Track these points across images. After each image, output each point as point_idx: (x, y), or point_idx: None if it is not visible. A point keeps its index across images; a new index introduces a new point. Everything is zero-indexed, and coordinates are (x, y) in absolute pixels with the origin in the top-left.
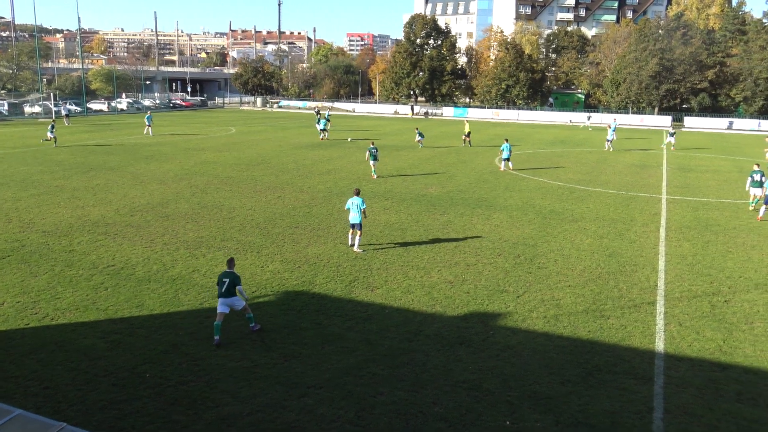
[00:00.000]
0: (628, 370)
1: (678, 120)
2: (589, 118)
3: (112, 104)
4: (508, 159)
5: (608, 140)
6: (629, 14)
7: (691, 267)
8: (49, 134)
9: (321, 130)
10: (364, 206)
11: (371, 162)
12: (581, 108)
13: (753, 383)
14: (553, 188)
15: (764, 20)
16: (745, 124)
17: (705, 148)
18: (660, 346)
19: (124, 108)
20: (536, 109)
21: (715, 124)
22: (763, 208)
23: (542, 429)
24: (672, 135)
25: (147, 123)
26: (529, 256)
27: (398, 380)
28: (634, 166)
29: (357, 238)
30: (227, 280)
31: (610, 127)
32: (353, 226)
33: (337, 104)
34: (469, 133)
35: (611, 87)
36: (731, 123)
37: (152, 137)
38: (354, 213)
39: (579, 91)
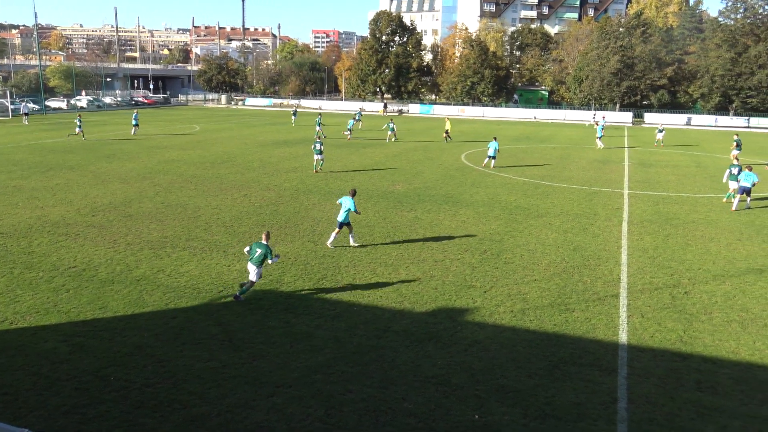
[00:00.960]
0: (592, 361)
1: (639, 116)
2: (594, 116)
3: (72, 102)
4: (493, 157)
5: (598, 137)
6: (591, 12)
7: (652, 260)
8: (77, 129)
9: (349, 129)
10: (354, 209)
11: (316, 156)
12: (545, 104)
13: (712, 372)
14: (518, 184)
15: (720, 19)
16: (702, 120)
17: (665, 144)
18: (623, 337)
19: (84, 106)
20: (501, 106)
21: (674, 119)
22: (737, 199)
23: (510, 422)
24: (661, 132)
25: (134, 123)
26: (495, 252)
27: (367, 377)
28: (597, 161)
29: (350, 236)
30: (260, 250)
31: (597, 125)
32: (339, 225)
33: (303, 101)
34: (447, 130)
35: (574, 84)
36: (690, 119)
37: (134, 136)
38: (342, 211)
39: (543, 87)
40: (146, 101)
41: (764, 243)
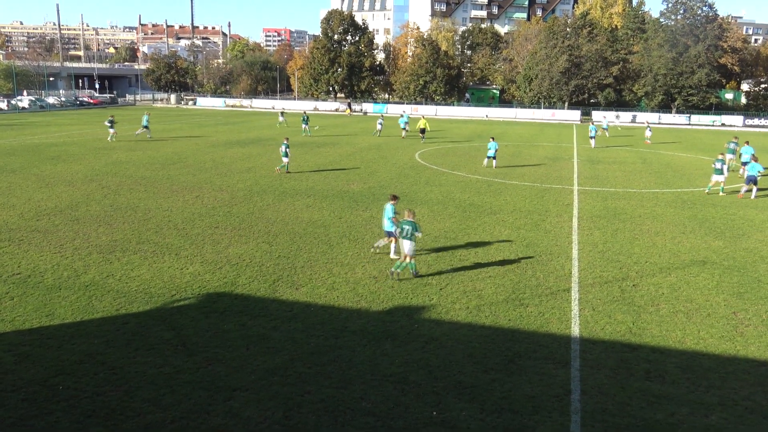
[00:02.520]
0: (546, 355)
1: (587, 114)
2: (617, 117)
3: (12, 102)
4: (493, 157)
5: (592, 137)
6: (539, 12)
7: (602, 254)
8: (143, 127)
9: (402, 128)
10: (393, 215)
11: (284, 158)
12: (496, 103)
13: (660, 362)
14: (471, 182)
15: (661, 20)
16: (647, 118)
17: (612, 142)
18: (576, 330)
19: (26, 106)
20: (453, 105)
21: (621, 117)
22: (744, 187)
23: (467, 418)
24: (649, 130)
25: (144, 124)
26: (450, 249)
27: (325, 378)
28: (547, 158)
29: (392, 245)
30: (408, 227)
31: (592, 124)
32: (388, 233)
33: (255, 101)
34: (423, 129)
35: (524, 83)
36: (635, 116)
37: (149, 139)
38: (385, 220)
39: (494, 86)
40: (92, 101)
41: (707, 236)
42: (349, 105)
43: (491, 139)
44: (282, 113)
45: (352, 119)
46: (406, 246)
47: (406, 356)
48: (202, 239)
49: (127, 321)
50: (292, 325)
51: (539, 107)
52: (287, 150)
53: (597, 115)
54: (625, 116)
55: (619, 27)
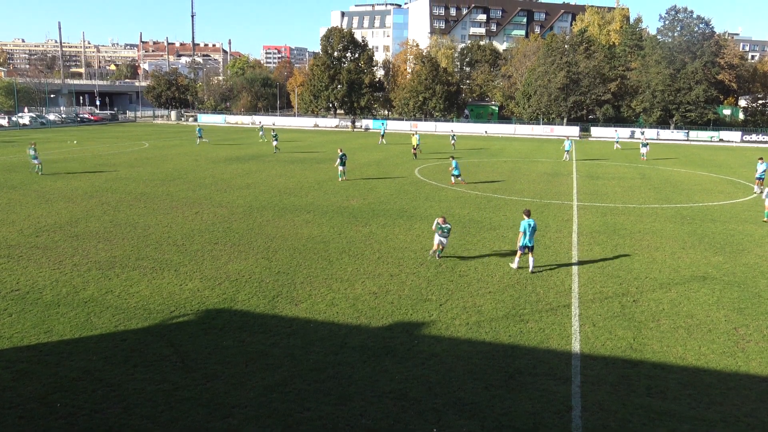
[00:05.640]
0: (547, 371)
1: (585, 130)
2: (642, 133)
3: (14, 119)
4: (458, 175)
5: (616, 143)
6: (537, 30)
7: (601, 269)
8: (198, 139)
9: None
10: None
11: (340, 167)
12: (495, 119)
13: (661, 378)
14: (471, 198)
15: (659, 36)
16: (646, 134)
17: (610, 158)
18: (576, 346)
19: (27, 123)
20: (453, 121)
21: (619, 133)
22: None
23: None
24: (645, 145)
25: (198, 135)
26: (450, 265)
27: (324, 394)
28: (546, 174)
29: (530, 259)
30: (448, 225)
31: (567, 139)
32: (526, 248)
33: (256, 117)
34: (417, 145)
35: (523, 99)
36: (633, 132)
37: (198, 146)
38: (526, 235)
39: (493, 103)
40: (92, 118)
41: (706, 251)
42: (353, 122)
43: (451, 158)
44: (262, 128)
45: (353, 135)
46: (444, 240)
47: (405, 372)
48: (201, 255)
49: (126, 337)
50: (291, 341)
51: (538, 123)
52: (343, 159)
53: (597, 131)
54: (624, 132)
55: (616, 44)
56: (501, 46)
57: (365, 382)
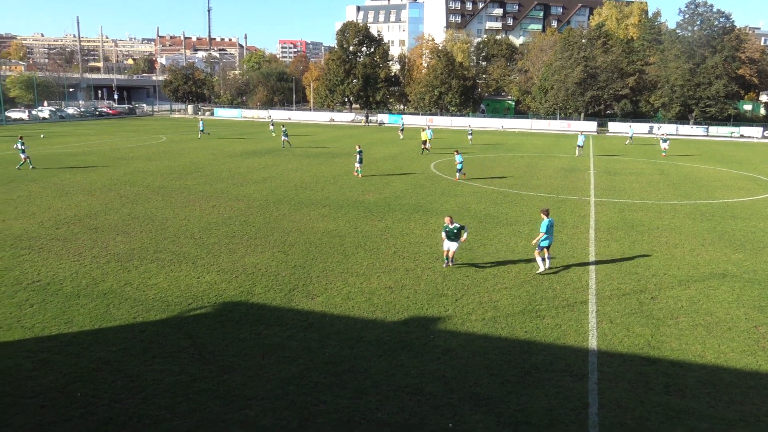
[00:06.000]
0: (563, 368)
1: (603, 125)
2: (659, 129)
3: (33, 113)
4: (459, 170)
5: (630, 138)
6: (554, 24)
7: (619, 266)
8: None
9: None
10: (543, 229)
11: (357, 164)
12: (512, 114)
13: (680, 375)
14: (487, 193)
15: (678, 31)
16: (664, 129)
17: (628, 153)
18: (593, 343)
19: (47, 116)
20: (469, 116)
21: (637, 128)
22: None
23: (484, 430)
24: (665, 141)
25: (201, 129)
26: (466, 260)
27: (340, 388)
28: (563, 169)
29: (538, 259)
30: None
31: (582, 134)
32: (542, 247)
33: (268, 112)
34: (425, 141)
35: (539, 94)
36: (651, 128)
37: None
38: (549, 234)
39: (509, 97)
40: (110, 112)
41: (726, 248)
42: (367, 116)
43: (456, 153)
44: (272, 123)
45: (368, 130)
46: (453, 246)
47: (421, 367)
48: (218, 248)
49: (145, 329)
50: (307, 334)
51: (555, 118)
52: (360, 156)
53: (615, 126)
54: (642, 127)
55: (635, 38)
56: (517, 41)
57: (381, 376)
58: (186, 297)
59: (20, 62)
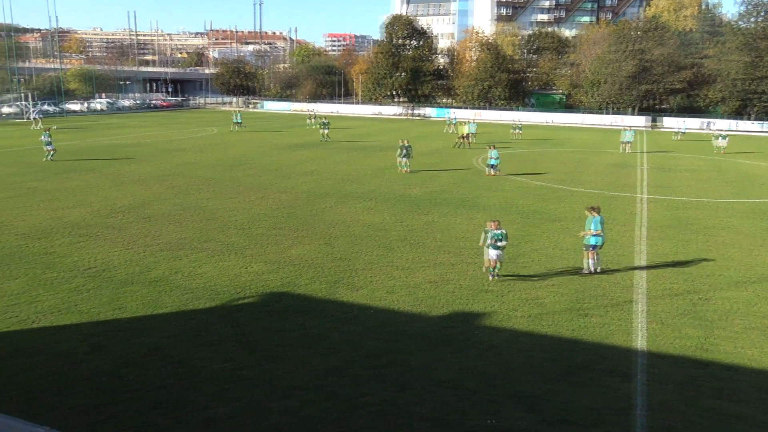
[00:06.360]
0: (609, 367)
1: (656, 120)
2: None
3: (90, 104)
4: (494, 166)
5: (681, 132)
6: (607, 16)
7: (671, 265)
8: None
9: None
10: (594, 227)
11: (404, 159)
12: (561, 108)
13: (732, 380)
14: (534, 188)
15: (739, 22)
16: (722, 125)
17: (682, 149)
18: (641, 344)
19: (103, 108)
20: (517, 110)
21: (693, 124)
22: None
23: (525, 427)
24: (724, 138)
25: (238, 120)
26: (512, 256)
27: (381, 381)
28: (614, 165)
29: (597, 259)
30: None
31: (629, 129)
32: (593, 246)
33: (312, 105)
34: (466, 135)
35: (590, 87)
36: (708, 123)
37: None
38: (597, 231)
39: (559, 91)
40: (163, 104)
41: None
42: (411, 109)
43: (492, 148)
44: (311, 116)
45: (414, 123)
46: (493, 254)
47: (463, 363)
48: (264, 239)
49: (193, 317)
50: (350, 326)
51: (606, 113)
52: (408, 150)
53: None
54: (698, 123)
55: (692, 30)
56: (569, 33)
57: (422, 370)
58: (233, 286)
59: (79, 55)
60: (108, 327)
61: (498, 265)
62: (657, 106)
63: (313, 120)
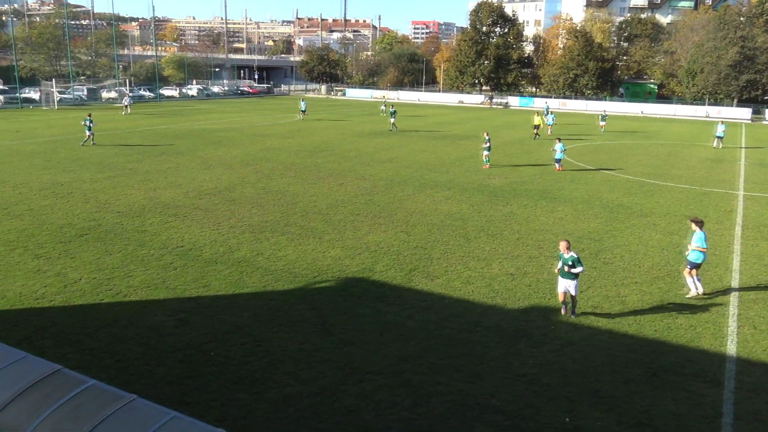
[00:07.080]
0: (696, 372)
1: (758, 113)
2: None
3: (183, 91)
4: (558, 160)
5: (720, 137)
6: (708, 1)
7: (767, 268)
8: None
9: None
10: (700, 244)
11: (485, 152)
12: (653, 99)
13: None
14: (620, 181)
15: None
16: None
17: None
18: (732, 349)
19: (195, 94)
20: (606, 99)
21: None
22: None
23: (602, 428)
24: None
25: (303, 109)
26: (594, 251)
27: (456, 371)
28: (709, 160)
29: (688, 279)
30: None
31: (722, 123)
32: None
33: (386, 92)
34: (537, 125)
35: (687, 77)
36: None
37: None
38: (698, 246)
39: (651, 81)
40: (251, 91)
41: None
42: (490, 98)
43: (558, 141)
44: (384, 104)
45: (494, 112)
46: (571, 286)
47: (540, 357)
48: (343, 225)
49: (273, 298)
50: (426, 315)
51: (703, 104)
52: (489, 144)
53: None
54: None
55: None
56: (665, 20)
57: (497, 362)
58: (312, 270)
59: (174, 43)
60: (194, 303)
61: (568, 299)
62: (760, 98)
63: (384, 108)
